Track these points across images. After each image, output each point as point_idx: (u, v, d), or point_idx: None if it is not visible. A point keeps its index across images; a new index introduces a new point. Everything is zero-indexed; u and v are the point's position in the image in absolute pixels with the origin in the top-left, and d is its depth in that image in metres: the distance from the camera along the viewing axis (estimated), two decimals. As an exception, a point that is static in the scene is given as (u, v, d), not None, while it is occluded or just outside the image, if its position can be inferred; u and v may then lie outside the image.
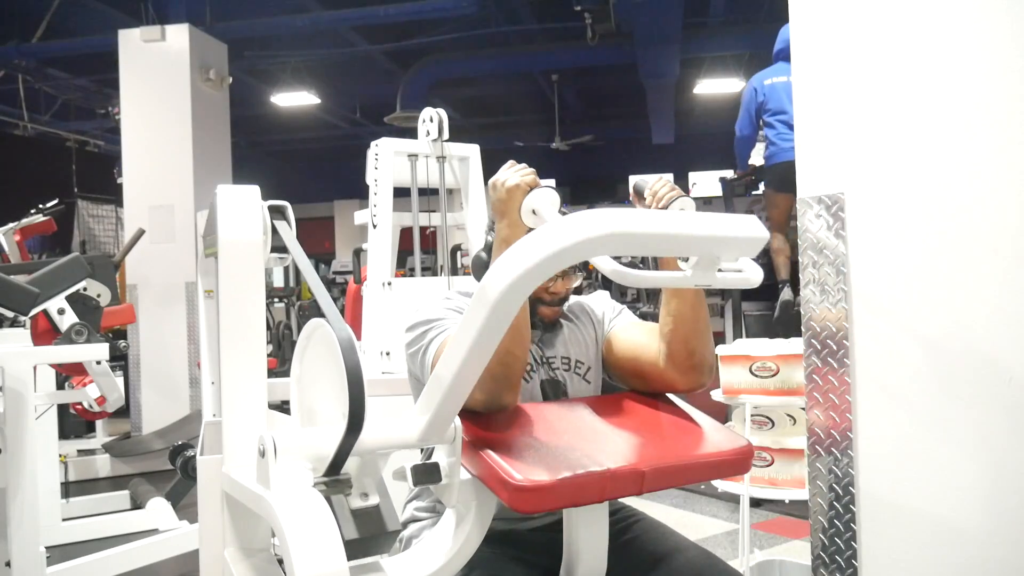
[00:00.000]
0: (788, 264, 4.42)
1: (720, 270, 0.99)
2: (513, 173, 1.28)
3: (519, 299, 0.92)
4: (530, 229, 1.25)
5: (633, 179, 1.44)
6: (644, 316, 5.14)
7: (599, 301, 1.63)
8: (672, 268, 1.29)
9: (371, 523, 1.06)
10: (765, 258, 5.21)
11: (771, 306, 4.61)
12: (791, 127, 4.01)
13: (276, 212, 1.31)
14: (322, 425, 1.13)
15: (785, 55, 4.23)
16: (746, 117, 4.32)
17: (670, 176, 1.42)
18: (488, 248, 1.54)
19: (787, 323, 4.17)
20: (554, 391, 1.48)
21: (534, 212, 1.24)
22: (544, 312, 1.51)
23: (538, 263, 0.87)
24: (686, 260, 1.23)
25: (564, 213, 1.25)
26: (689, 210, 1.31)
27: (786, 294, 4.31)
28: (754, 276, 1.03)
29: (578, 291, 1.60)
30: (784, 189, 4.28)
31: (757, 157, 4.43)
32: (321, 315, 1.08)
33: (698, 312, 1.38)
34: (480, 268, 1.57)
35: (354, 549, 1.01)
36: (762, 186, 4.69)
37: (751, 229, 0.94)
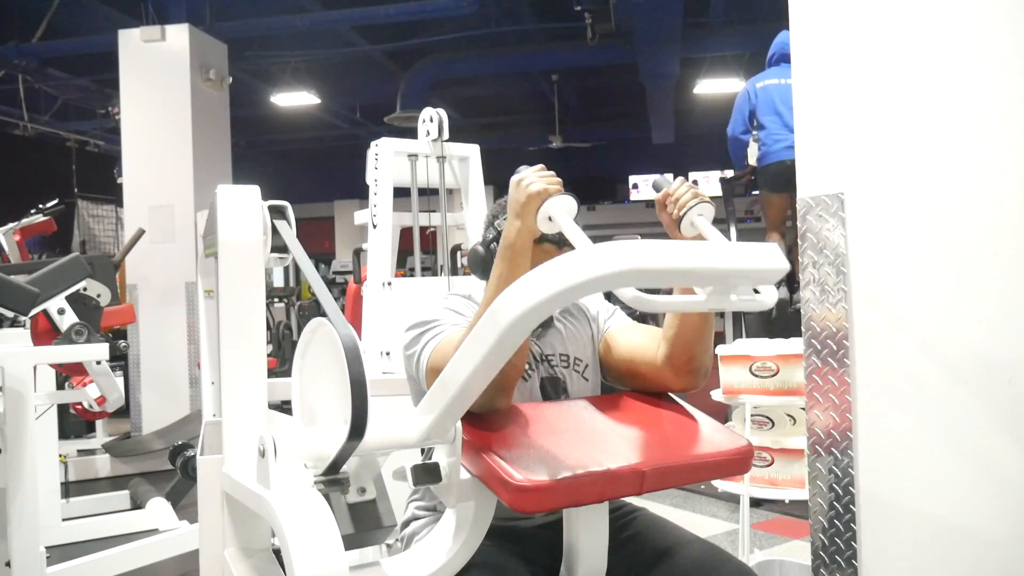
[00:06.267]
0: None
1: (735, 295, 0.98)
2: (539, 177, 1.24)
3: (531, 326, 0.92)
4: (541, 234, 1.24)
5: (655, 177, 1.39)
6: (643, 316, 5.13)
7: (593, 300, 1.64)
8: (687, 291, 1.28)
9: (367, 517, 1.06)
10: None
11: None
12: (785, 127, 4.04)
13: (276, 212, 1.31)
14: (323, 425, 1.13)
15: (777, 60, 4.29)
16: (738, 118, 4.40)
17: (683, 179, 1.37)
18: (486, 243, 1.54)
19: (785, 322, 4.18)
20: (554, 389, 1.48)
21: (550, 219, 1.21)
22: None
23: (555, 295, 0.86)
24: None
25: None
26: (708, 216, 1.27)
27: (781, 293, 4.32)
28: (768, 298, 1.03)
29: None
30: (778, 189, 4.30)
31: (752, 158, 4.46)
32: (323, 314, 1.08)
33: (705, 319, 1.37)
34: (477, 262, 1.56)
35: (350, 543, 1.02)
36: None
37: (771, 260, 0.94)
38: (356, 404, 0.97)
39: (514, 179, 1.26)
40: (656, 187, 1.35)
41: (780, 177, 4.13)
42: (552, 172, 1.27)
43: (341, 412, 1.00)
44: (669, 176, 1.36)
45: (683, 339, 1.37)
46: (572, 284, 0.84)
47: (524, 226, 1.24)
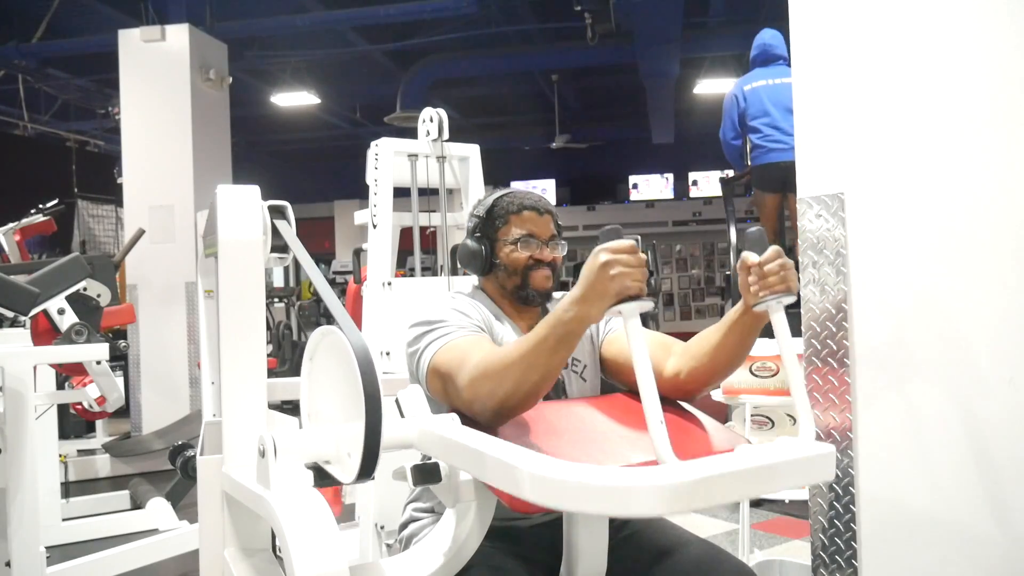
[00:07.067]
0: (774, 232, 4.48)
1: None
2: (629, 269, 1.06)
3: None
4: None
5: (752, 229, 1.22)
6: (644, 321, 5.13)
7: None
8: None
9: None
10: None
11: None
12: (775, 128, 4.05)
13: (276, 212, 1.31)
14: (324, 425, 1.13)
15: (761, 60, 4.32)
16: (729, 123, 4.41)
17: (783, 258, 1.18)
18: (471, 233, 1.55)
19: None
20: (553, 389, 1.47)
21: (620, 313, 1.06)
22: (536, 279, 1.51)
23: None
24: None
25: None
26: (786, 302, 1.19)
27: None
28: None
29: (564, 287, 1.59)
30: (771, 189, 4.31)
31: (747, 158, 4.48)
32: (323, 314, 1.08)
33: (736, 364, 1.37)
34: (468, 257, 1.55)
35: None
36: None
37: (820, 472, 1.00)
38: (368, 445, 0.96)
39: (599, 254, 1.07)
40: (751, 244, 1.21)
41: (773, 179, 4.14)
42: (643, 262, 1.09)
43: (348, 421, 1.00)
44: (762, 232, 1.23)
45: (704, 373, 1.37)
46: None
47: (590, 315, 1.11)
